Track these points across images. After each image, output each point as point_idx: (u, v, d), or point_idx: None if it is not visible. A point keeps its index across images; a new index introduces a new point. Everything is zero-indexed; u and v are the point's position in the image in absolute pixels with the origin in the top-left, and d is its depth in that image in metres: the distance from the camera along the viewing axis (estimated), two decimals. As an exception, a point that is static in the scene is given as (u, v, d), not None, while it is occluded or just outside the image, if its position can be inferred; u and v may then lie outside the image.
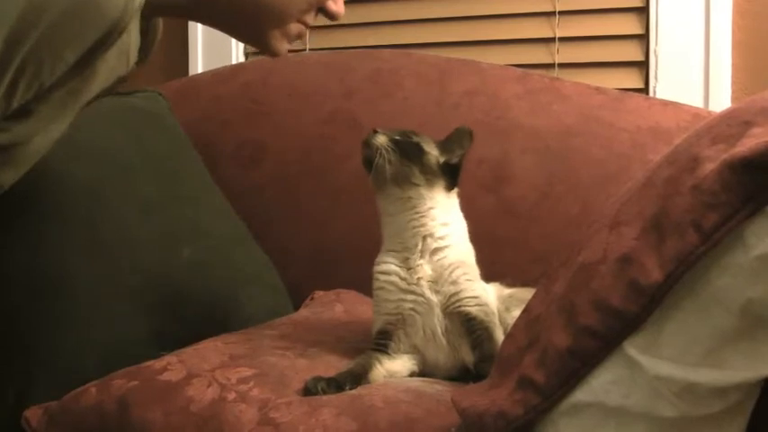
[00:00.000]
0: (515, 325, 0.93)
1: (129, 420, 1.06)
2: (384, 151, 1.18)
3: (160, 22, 1.14)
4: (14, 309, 1.25)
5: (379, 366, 1.15)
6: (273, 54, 1.16)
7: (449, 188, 1.22)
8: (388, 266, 1.21)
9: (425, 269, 1.19)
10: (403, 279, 1.19)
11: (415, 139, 1.22)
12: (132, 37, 1.04)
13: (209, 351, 1.20)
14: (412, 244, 1.20)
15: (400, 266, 1.20)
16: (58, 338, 1.24)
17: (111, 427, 1.08)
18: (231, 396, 1.05)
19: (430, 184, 1.20)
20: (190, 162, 1.67)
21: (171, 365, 1.13)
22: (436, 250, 1.19)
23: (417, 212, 1.20)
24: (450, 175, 1.23)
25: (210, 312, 1.44)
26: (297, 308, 1.57)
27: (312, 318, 1.45)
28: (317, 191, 1.71)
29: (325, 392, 1.06)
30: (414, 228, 1.20)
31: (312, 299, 1.57)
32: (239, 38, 1.17)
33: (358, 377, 1.11)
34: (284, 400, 1.04)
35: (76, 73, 0.96)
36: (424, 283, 1.18)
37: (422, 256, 1.19)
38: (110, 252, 1.35)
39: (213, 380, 1.09)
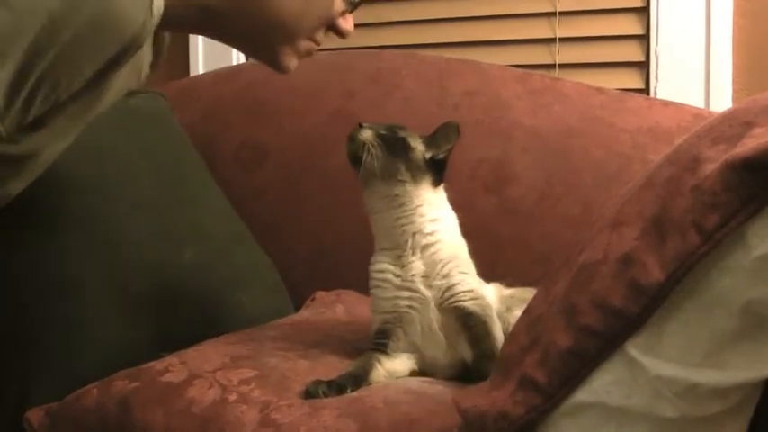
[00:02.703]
0: (517, 325, 0.93)
1: (130, 421, 1.06)
2: (370, 146, 1.17)
3: (168, 36, 1.14)
4: (15, 310, 1.25)
5: (378, 367, 1.15)
6: (282, 71, 1.16)
7: (436, 184, 1.22)
8: (381, 265, 1.20)
9: (418, 265, 1.18)
10: (397, 276, 1.19)
11: (401, 133, 1.21)
12: (145, 52, 1.04)
13: (211, 352, 1.20)
14: (402, 241, 1.19)
15: (394, 264, 1.19)
16: (60, 339, 1.24)
17: (111, 429, 1.08)
18: (232, 397, 1.05)
19: (416, 180, 1.19)
20: (191, 163, 1.67)
21: (172, 366, 1.13)
22: (427, 246, 1.19)
23: (405, 210, 1.19)
24: (437, 171, 1.22)
25: (212, 313, 1.45)
26: (298, 308, 1.57)
27: (313, 318, 1.45)
28: (318, 191, 1.71)
29: (326, 395, 1.05)
30: (402, 225, 1.19)
31: (313, 299, 1.57)
32: (249, 53, 1.17)
33: (359, 379, 1.11)
34: (285, 402, 1.04)
35: (92, 88, 0.96)
36: (417, 279, 1.18)
37: (413, 253, 1.19)
38: (111, 253, 1.35)
39: (214, 381, 1.09)
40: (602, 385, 0.76)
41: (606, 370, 0.76)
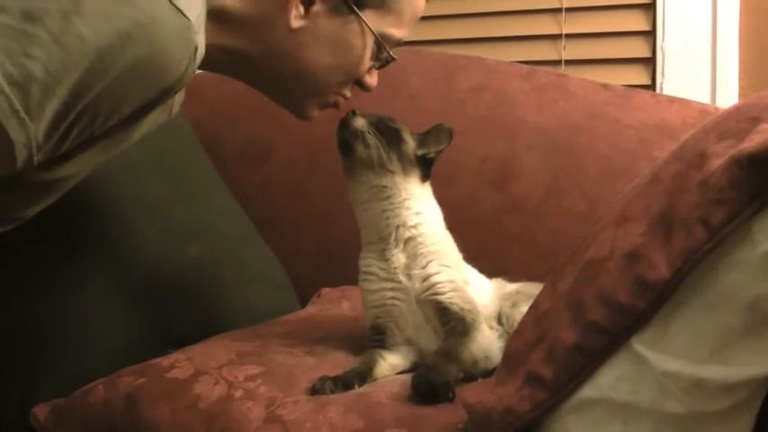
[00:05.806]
0: (523, 321, 0.93)
1: (137, 417, 1.07)
2: (364, 134, 1.17)
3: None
4: (21, 306, 1.25)
5: (382, 362, 1.15)
6: (304, 119, 1.21)
7: (423, 179, 1.22)
8: (367, 260, 1.21)
9: (400, 258, 1.18)
10: (382, 269, 1.19)
11: (394, 125, 1.21)
12: (179, 93, 1.05)
13: (217, 349, 1.20)
14: (386, 234, 1.19)
15: (378, 257, 1.20)
16: (66, 336, 1.25)
17: (118, 424, 1.08)
18: (238, 394, 1.05)
19: (405, 173, 1.19)
20: (197, 160, 1.67)
21: (178, 363, 1.14)
22: (410, 239, 1.19)
23: (391, 203, 1.19)
24: (425, 167, 1.22)
25: (217, 310, 1.45)
26: (303, 305, 1.57)
27: (319, 315, 1.46)
28: (323, 188, 1.71)
29: (332, 392, 1.05)
30: (387, 218, 1.19)
31: (319, 296, 1.57)
32: (276, 100, 1.20)
33: (363, 374, 1.11)
34: (291, 398, 1.04)
35: (126, 124, 0.98)
36: (399, 271, 1.18)
37: (396, 245, 1.19)
38: (117, 250, 1.35)
39: (220, 377, 1.09)
40: (609, 381, 0.76)
41: (612, 366, 0.76)
